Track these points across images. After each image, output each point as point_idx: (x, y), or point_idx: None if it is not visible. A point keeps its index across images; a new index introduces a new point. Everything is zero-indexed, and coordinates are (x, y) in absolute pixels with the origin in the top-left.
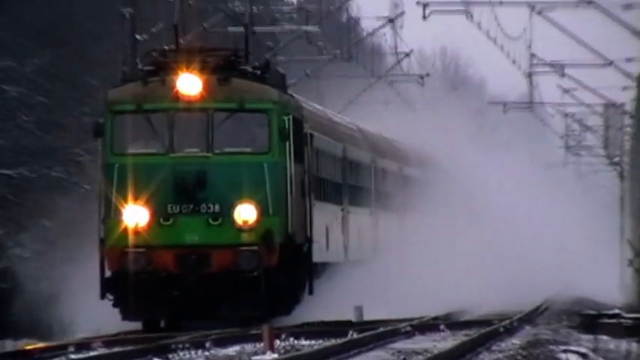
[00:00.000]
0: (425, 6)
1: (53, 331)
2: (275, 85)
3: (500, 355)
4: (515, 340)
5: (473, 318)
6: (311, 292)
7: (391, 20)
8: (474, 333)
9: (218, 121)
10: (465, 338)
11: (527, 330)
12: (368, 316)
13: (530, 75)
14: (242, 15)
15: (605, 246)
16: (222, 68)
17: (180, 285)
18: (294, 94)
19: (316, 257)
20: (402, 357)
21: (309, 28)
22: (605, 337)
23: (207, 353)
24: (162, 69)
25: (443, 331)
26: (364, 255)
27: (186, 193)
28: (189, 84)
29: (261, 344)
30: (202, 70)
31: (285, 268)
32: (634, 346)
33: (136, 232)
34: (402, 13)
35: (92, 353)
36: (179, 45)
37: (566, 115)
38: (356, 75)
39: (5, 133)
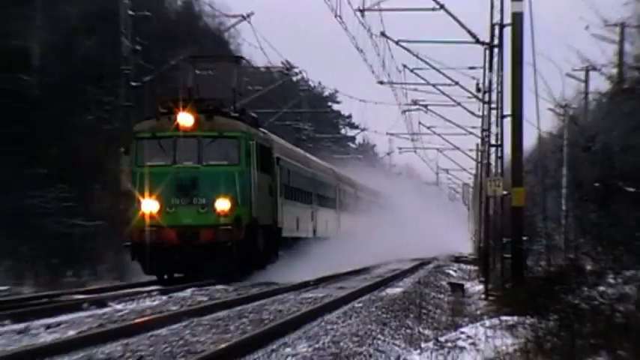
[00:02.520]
0: (400, 149)
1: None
2: (248, 123)
3: (426, 270)
4: (430, 266)
5: (414, 258)
6: (276, 256)
7: (388, 154)
8: (417, 263)
9: (205, 144)
10: (413, 264)
11: (434, 262)
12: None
13: (437, 173)
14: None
15: (463, 233)
16: (210, 110)
17: (179, 252)
18: (267, 132)
19: (286, 233)
20: (393, 270)
21: (360, 156)
22: (462, 265)
23: None
24: (172, 110)
25: (404, 262)
26: (329, 234)
27: (184, 190)
28: (186, 119)
29: None
30: (196, 111)
31: (251, 241)
32: (471, 267)
33: (151, 217)
34: (392, 151)
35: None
36: (180, 95)
37: (450, 187)
38: (375, 171)
39: None
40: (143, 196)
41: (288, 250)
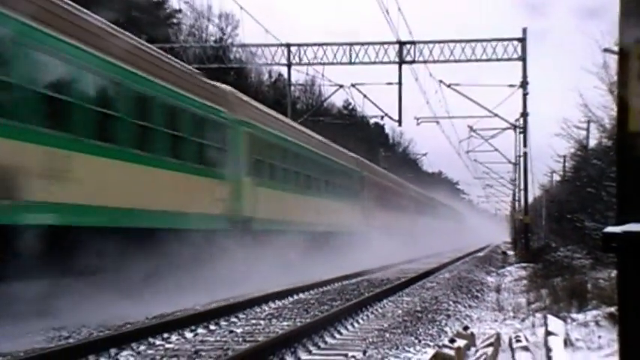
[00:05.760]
0: (481, 203)
1: None
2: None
3: (491, 247)
4: (487, 250)
5: (487, 244)
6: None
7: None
8: (486, 245)
9: None
10: (484, 245)
11: (489, 247)
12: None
13: (496, 210)
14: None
15: (506, 233)
16: None
17: None
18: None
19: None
20: (479, 247)
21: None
22: (506, 244)
23: None
24: None
25: (481, 244)
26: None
27: None
28: None
29: None
30: None
31: None
32: (509, 245)
33: None
34: (478, 203)
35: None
36: None
37: (500, 215)
38: (469, 207)
39: None
40: None
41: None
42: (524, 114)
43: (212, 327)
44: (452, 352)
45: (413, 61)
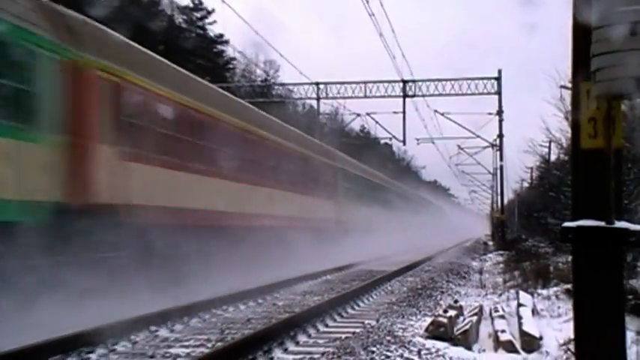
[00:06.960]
0: (467, 205)
1: None
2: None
3: (468, 244)
4: (472, 242)
5: (470, 237)
6: None
7: (423, 167)
8: (470, 237)
9: None
10: (458, 242)
11: (472, 240)
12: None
13: (478, 210)
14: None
15: (487, 228)
16: None
17: None
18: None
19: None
20: (465, 239)
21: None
22: (487, 236)
23: None
24: None
25: (467, 236)
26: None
27: None
28: None
29: None
30: None
31: None
32: (489, 237)
33: None
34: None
35: None
36: None
37: (482, 215)
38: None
39: None
40: None
41: None
42: (500, 135)
43: (260, 301)
44: (445, 320)
45: (414, 95)
